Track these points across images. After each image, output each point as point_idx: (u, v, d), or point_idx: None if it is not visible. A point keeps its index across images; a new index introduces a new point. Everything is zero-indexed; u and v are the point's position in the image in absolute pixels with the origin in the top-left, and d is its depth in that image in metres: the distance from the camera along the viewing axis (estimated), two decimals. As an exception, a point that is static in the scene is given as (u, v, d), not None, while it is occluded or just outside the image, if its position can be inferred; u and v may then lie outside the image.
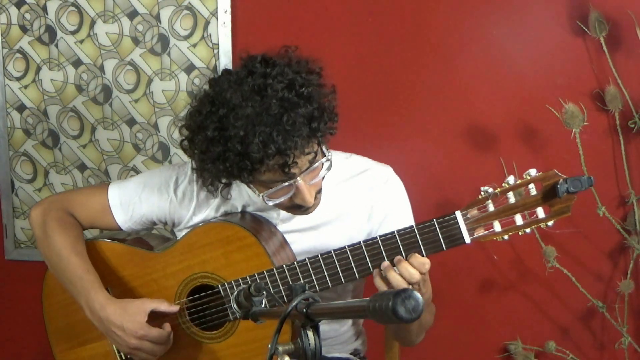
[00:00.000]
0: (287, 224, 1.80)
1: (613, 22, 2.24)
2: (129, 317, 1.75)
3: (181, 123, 1.70)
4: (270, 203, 1.65)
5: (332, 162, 1.66)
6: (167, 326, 1.79)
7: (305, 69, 1.62)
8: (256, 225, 1.77)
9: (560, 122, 2.22)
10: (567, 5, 2.29)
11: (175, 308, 1.79)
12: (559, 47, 2.33)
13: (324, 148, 1.64)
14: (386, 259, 1.61)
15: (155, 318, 1.78)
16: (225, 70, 1.65)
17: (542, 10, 2.33)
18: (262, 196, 1.63)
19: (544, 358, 2.46)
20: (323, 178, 1.70)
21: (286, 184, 1.60)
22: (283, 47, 1.65)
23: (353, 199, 1.79)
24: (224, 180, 1.67)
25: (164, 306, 1.78)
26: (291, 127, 1.53)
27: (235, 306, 1.41)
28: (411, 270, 1.57)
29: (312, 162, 1.61)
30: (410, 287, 1.59)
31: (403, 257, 1.59)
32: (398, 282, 1.58)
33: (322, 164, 1.63)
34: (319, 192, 1.69)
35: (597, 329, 2.45)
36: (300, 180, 1.60)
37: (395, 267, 1.59)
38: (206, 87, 1.66)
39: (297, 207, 1.67)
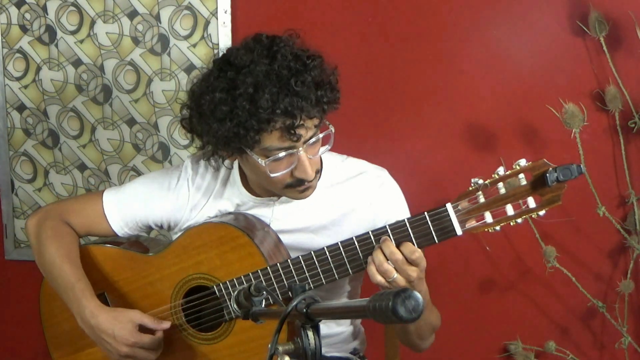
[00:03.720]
0: (281, 223, 1.80)
1: (613, 22, 2.24)
2: (119, 325, 1.75)
3: (180, 103, 1.73)
4: (272, 175, 1.65)
5: (329, 159, 1.67)
6: (160, 332, 1.79)
7: (307, 51, 1.66)
8: (249, 225, 1.77)
9: (560, 122, 2.22)
10: (567, 5, 2.29)
11: (165, 325, 1.79)
12: (559, 47, 2.33)
13: (326, 122, 1.67)
14: None
15: (144, 330, 1.78)
16: (231, 47, 1.69)
17: (542, 10, 2.33)
18: (265, 163, 1.63)
19: (544, 358, 2.46)
20: (321, 165, 1.71)
21: (289, 152, 1.62)
22: (287, 30, 1.68)
23: (348, 202, 1.79)
24: (227, 148, 1.66)
25: (154, 323, 1.78)
26: (300, 88, 1.57)
27: (235, 306, 1.41)
28: (393, 248, 1.58)
29: (316, 129, 1.64)
30: (401, 277, 1.59)
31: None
32: (379, 260, 1.59)
33: (320, 139, 1.66)
34: (317, 172, 1.70)
35: (597, 329, 2.45)
36: (302, 151, 1.62)
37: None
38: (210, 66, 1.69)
39: (297, 184, 1.67)
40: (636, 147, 2.33)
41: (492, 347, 2.52)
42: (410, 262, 1.59)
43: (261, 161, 1.64)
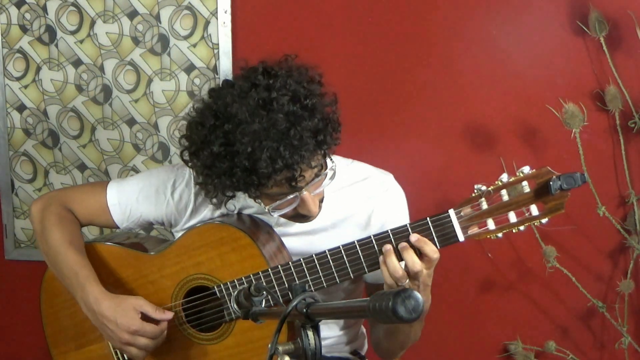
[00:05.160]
0: (284, 228, 1.80)
1: (613, 22, 2.24)
2: (122, 312, 1.75)
3: (181, 133, 1.69)
4: (275, 214, 1.66)
5: (335, 170, 1.66)
6: (164, 323, 1.79)
7: (306, 78, 1.62)
8: (252, 227, 1.77)
9: (560, 122, 2.22)
10: (567, 5, 2.29)
11: (168, 315, 1.79)
12: (559, 47, 2.33)
13: (327, 159, 1.65)
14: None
15: (147, 318, 1.78)
16: (227, 82, 1.64)
17: (542, 10, 2.33)
18: (268, 209, 1.64)
19: (544, 358, 2.46)
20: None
21: (292, 196, 1.61)
22: (283, 56, 1.65)
23: (352, 206, 1.79)
24: (228, 194, 1.67)
25: (157, 314, 1.78)
26: (298, 141, 1.53)
27: (235, 306, 1.41)
28: (414, 258, 1.56)
29: (317, 174, 1.62)
30: (409, 283, 1.58)
31: (397, 255, 1.58)
32: (395, 269, 1.56)
33: (326, 174, 1.64)
34: (321, 200, 1.69)
35: (597, 329, 2.46)
36: (305, 192, 1.61)
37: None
38: (206, 97, 1.65)
39: (301, 217, 1.68)
40: (636, 147, 2.33)
41: (492, 347, 2.52)
42: (428, 265, 1.58)
43: (264, 205, 1.65)
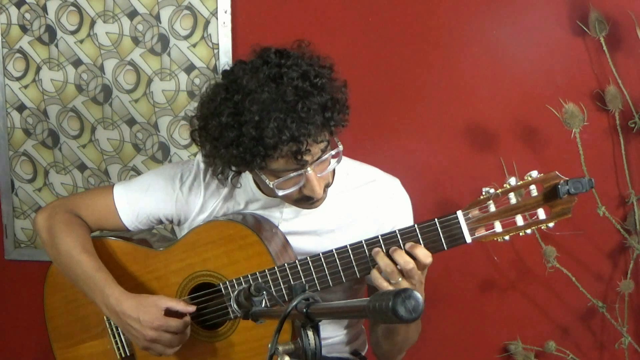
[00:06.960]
0: (289, 224, 1.80)
1: (613, 22, 2.24)
2: (144, 310, 1.74)
3: (191, 114, 1.71)
4: (280, 193, 1.65)
5: (341, 165, 1.67)
6: (188, 318, 1.78)
7: (317, 62, 1.64)
8: (258, 225, 1.77)
9: (560, 122, 2.22)
10: (567, 5, 2.29)
11: (191, 308, 1.78)
12: (559, 47, 2.33)
13: (335, 140, 1.66)
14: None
15: (170, 314, 1.77)
16: (239, 61, 1.66)
17: (542, 10, 2.33)
18: (273, 185, 1.64)
19: (544, 358, 2.46)
20: (333, 175, 1.72)
21: (297, 173, 1.61)
22: (296, 41, 1.67)
23: (359, 210, 1.79)
24: (234, 168, 1.68)
25: (180, 305, 1.77)
26: (305, 114, 1.55)
27: (235, 306, 1.42)
28: (406, 257, 1.59)
29: (323, 152, 1.62)
30: (405, 282, 1.60)
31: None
32: (386, 264, 1.59)
33: (332, 156, 1.65)
34: (327, 185, 1.70)
35: (597, 329, 2.46)
36: (310, 171, 1.61)
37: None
38: (218, 78, 1.67)
39: (305, 200, 1.68)
40: (636, 147, 2.33)
41: (492, 347, 2.52)
42: (421, 267, 1.60)
43: (269, 182, 1.65)
